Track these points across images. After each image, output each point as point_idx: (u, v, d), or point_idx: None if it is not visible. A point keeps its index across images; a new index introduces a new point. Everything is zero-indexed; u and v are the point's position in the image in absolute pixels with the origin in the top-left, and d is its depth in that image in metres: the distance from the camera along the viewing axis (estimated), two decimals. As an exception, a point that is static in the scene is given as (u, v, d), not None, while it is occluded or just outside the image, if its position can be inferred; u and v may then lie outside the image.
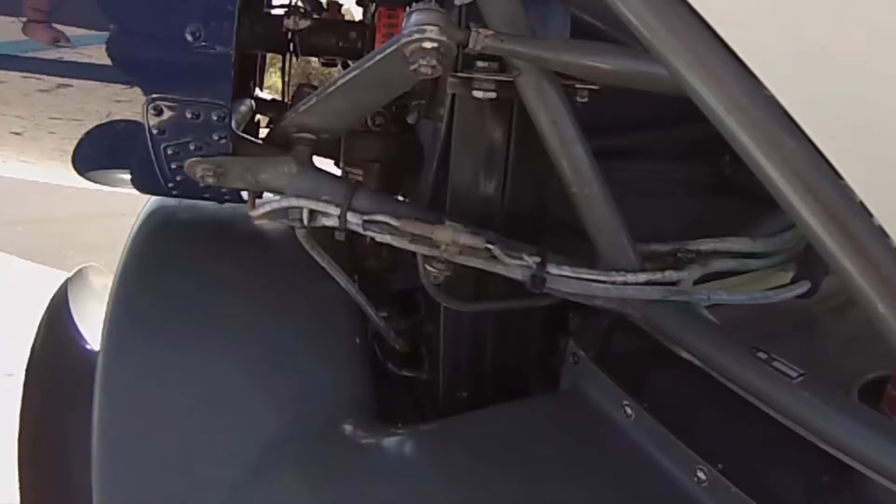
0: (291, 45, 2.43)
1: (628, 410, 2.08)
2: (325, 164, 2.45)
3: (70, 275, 3.20)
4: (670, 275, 2.12)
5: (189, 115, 2.03)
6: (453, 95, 2.09)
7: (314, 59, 2.62)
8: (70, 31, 1.93)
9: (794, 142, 1.32)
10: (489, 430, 2.19)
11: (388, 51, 1.84)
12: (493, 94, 1.99)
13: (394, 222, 2.07)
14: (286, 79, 2.74)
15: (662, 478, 1.95)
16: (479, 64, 1.97)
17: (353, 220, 2.10)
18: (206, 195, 2.38)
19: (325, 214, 2.13)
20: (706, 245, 2.27)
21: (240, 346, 2.33)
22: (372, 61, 1.91)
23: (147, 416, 2.18)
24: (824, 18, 1.20)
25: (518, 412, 2.26)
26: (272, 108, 2.65)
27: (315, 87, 2.20)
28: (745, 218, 2.50)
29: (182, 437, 2.17)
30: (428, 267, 2.13)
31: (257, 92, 2.79)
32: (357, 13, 2.76)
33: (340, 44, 2.45)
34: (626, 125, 2.84)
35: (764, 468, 1.89)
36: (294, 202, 2.13)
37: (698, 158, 2.94)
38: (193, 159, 2.13)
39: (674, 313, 2.05)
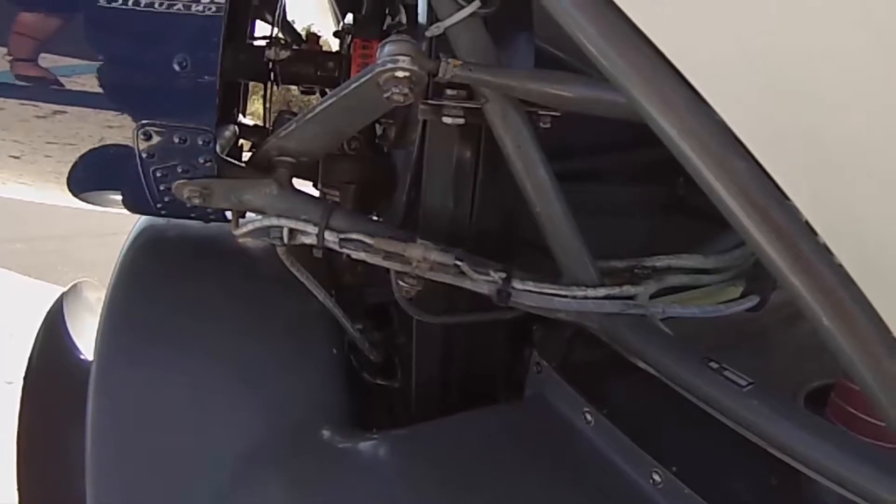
0: (272, 74, 2.43)
1: (588, 417, 2.08)
2: (304, 185, 2.44)
3: (65, 289, 3.19)
4: (627, 289, 2.11)
5: (176, 140, 2.02)
6: (424, 121, 2.09)
7: (294, 87, 2.61)
8: (65, 61, 1.93)
9: (743, 164, 1.32)
10: (458, 435, 2.18)
11: (363, 80, 1.84)
12: (461, 121, 1.99)
13: (368, 240, 2.06)
14: (267, 105, 2.75)
15: (620, 480, 1.94)
16: (449, 92, 1.97)
17: (331, 238, 2.09)
18: (193, 215, 2.37)
19: (304, 233, 2.12)
20: (661, 262, 2.27)
21: (224, 356, 2.32)
22: (348, 89, 1.90)
23: (137, 422, 2.17)
24: (769, 51, 1.19)
25: (485, 419, 2.25)
26: (254, 133, 2.65)
27: (295, 114, 2.20)
28: (697, 236, 2.51)
29: (170, 442, 2.15)
30: (401, 282, 2.12)
31: (240, 118, 2.79)
32: (334, 44, 2.76)
33: (318, 73, 2.45)
34: (586, 149, 2.85)
35: (716, 471, 1.89)
36: (275, 221, 2.12)
37: (654, 180, 2.94)
38: (180, 181, 2.12)
39: (631, 325, 2.04)
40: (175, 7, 1.88)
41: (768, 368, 2.25)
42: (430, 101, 1.99)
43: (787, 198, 1.30)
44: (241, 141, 2.64)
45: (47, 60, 1.93)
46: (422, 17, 2.10)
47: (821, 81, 1.18)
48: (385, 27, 2.44)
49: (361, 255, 2.09)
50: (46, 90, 1.96)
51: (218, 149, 2.11)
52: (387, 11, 2.45)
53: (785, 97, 1.22)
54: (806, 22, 1.15)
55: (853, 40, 1.12)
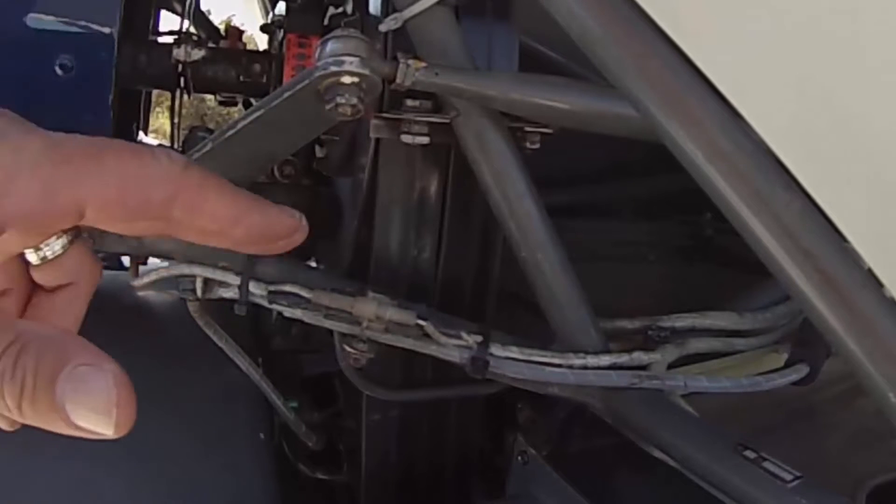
0: (182, 79, 2.39)
1: (589, 521, 2.07)
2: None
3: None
4: (639, 357, 2.09)
5: (57, 165, 1.99)
6: (378, 140, 2.07)
7: (209, 96, 2.58)
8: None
9: (790, 196, 1.30)
10: (422, 544, 2.17)
11: (299, 87, 1.78)
12: (425, 139, 1.96)
13: (305, 293, 2.02)
14: (176, 121, 2.72)
15: None
16: (409, 103, 1.94)
17: (257, 290, 2.04)
18: (80, 261, 2.34)
19: (222, 284, 2.07)
20: (683, 321, 2.24)
21: (118, 441, 2.28)
22: (279, 99, 1.84)
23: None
24: (833, 58, 1.19)
25: (456, 522, 2.24)
26: (159, 157, 2.63)
27: (211, 131, 2.17)
28: (729, 288, 2.50)
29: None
30: (347, 347, 2.06)
31: (141, 136, 2.77)
32: (261, 41, 2.75)
33: (241, 78, 2.43)
34: (586, 176, 2.84)
35: None
36: (185, 269, 2.07)
37: (673, 216, 2.95)
38: (63, 218, 2.09)
39: (643, 403, 2.02)
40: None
41: (820, 458, 2.25)
42: (385, 115, 1.97)
43: (845, 240, 1.29)
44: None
45: None
46: (374, 6, 2.09)
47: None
48: (327, 19, 2.42)
49: (296, 313, 2.05)
50: None
51: (112, 176, 2.08)
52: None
53: (843, 110, 1.21)
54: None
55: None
